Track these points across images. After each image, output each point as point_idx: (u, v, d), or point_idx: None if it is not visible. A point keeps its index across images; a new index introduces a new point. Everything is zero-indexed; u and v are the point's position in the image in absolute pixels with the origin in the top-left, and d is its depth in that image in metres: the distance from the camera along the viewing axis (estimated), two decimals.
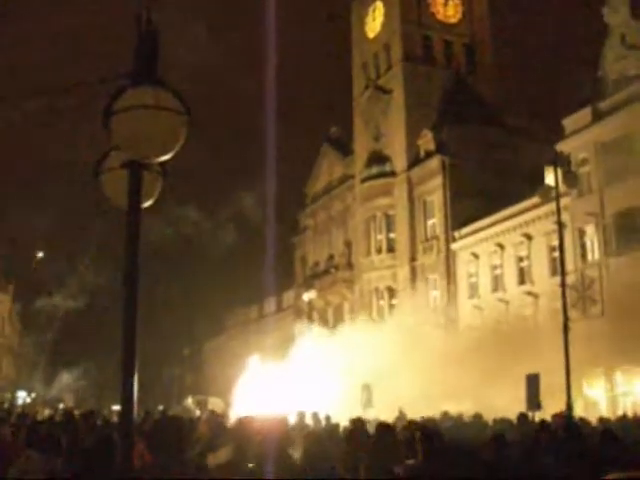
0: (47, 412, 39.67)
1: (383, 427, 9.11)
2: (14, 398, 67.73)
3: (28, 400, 71.35)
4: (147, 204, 4.65)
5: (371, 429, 11.58)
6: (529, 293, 38.28)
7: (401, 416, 19.55)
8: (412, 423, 13.60)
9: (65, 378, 73.20)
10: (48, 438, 7.27)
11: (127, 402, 4.28)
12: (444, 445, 5.52)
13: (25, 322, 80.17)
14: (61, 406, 51.64)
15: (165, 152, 4.42)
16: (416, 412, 20.68)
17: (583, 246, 35.08)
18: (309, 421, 19.41)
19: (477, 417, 20.08)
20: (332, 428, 15.79)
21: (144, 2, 4.61)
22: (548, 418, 18.71)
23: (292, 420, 17.04)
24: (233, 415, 26.40)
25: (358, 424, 12.36)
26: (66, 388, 68.56)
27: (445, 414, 20.26)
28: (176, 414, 15.46)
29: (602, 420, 17.88)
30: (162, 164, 4.67)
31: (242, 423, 8.59)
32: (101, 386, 67.14)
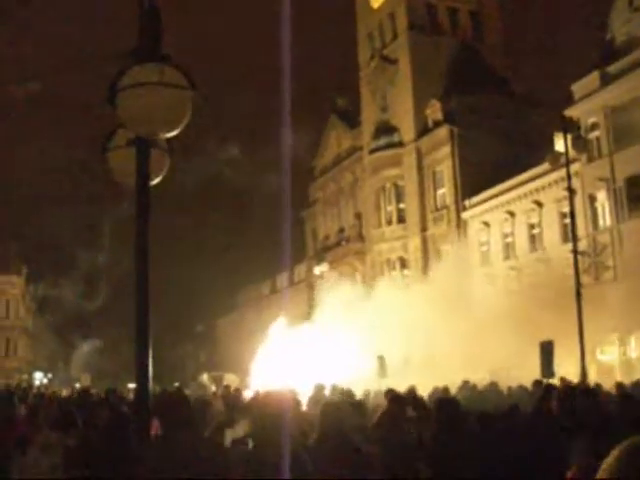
0: (64, 392, 40.03)
1: (444, 402, 7.42)
2: (31, 379, 68.36)
3: (45, 381, 72.04)
4: (155, 181, 4.63)
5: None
6: (541, 260, 38.18)
7: (411, 389, 19.56)
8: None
9: (81, 357, 73.83)
10: (64, 416, 7.32)
11: (142, 380, 4.30)
12: (459, 414, 5.52)
13: (39, 303, 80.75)
14: (77, 386, 52.08)
15: (171, 128, 4.40)
16: (430, 382, 20.72)
17: (594, 212, 34.92)
18: (327, 393, 19.47)
19: (493, 385, 20.11)
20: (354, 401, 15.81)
21: None
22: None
23: (309, 393, 17.07)
24: (249, 390, 26.60)
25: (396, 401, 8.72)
26: (83, 368, 69.03)
27: (465, 382, 20.25)
28: (179, 391, 15.50)
29: (619, 385, 17.83)
30: (169, 140, 4.65)
31: (257, 398, 8.58)
32: (118, 364, 67.56)
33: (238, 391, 22.76)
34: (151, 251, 4.35)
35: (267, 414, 4.58)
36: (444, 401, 6.25)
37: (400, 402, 7.57)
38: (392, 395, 8.14)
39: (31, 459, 6.64)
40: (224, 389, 23.89)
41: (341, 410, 5.64)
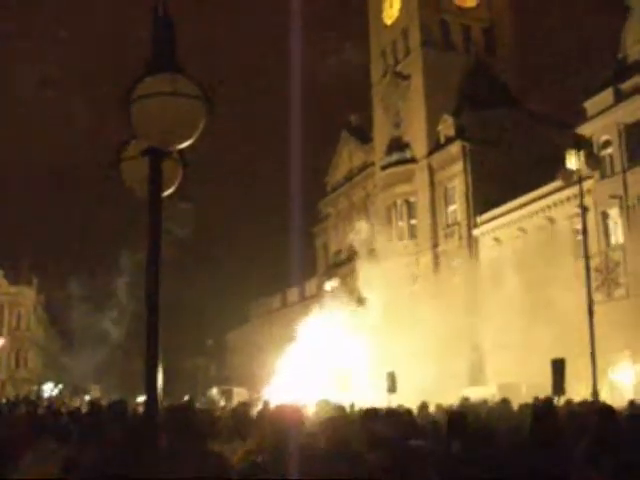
0: (76, 403, 40.04)
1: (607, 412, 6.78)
2: (40, 390, 68.43)
3: (55, 392, 72.08)
4: (168, 192, 4.63)
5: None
6: (553, 277, 38.00)
7: (424, 405, 19.48)
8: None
9: (91, 369, 73.80)
10: (58, 427, 7.33)
11: (151, 393, 4.27)
12: (469, 429, 5.48)
13: (50, 314, 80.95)
14: (87, 397, 52.09)
15: (185, 139, 4.40)
16: (440, 397, 20.64)
17: (606, 229, 34.79)
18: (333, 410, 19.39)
19: (505, 402, 19.99)
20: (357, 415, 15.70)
21: None
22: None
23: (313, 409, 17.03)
24: (259, 404, 26.53)
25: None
26: (93, 379, 69.11)
27: (466, 400, 20.14)
28: (188, 403, 15.46)
29: (632, 403, 17.63)
30: (182, 152, 4.66)
31: (266, 412, 8.55)
32: (127, 377, 67.58)
33: (247, 405, 22.60)
34: (163, 264, 4.34)
35: (276, 428, 4.56)
36: (454, 413, 6.21)
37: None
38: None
39: (23, 468, 6.64)
40: (237, 404, 23.73)
41: (347, 423, 5.61)
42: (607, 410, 7.05)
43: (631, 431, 7.12)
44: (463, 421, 5.49)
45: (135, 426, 6.18)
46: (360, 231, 46.99)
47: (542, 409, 6.43)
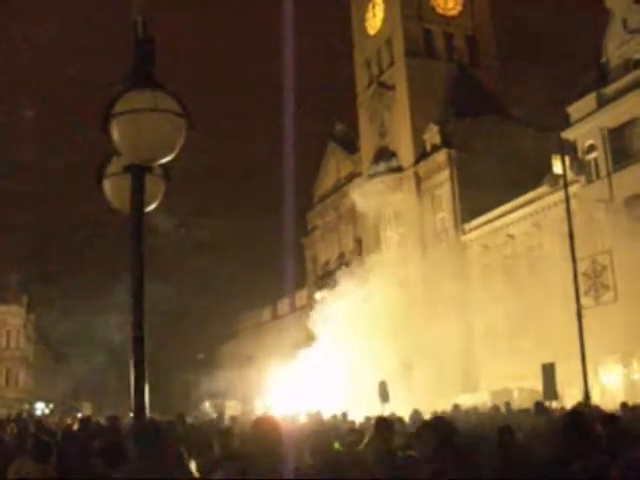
0: (68, 421, 39.77)
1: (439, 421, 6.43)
2: (32, 409, 67.97)
3: (47, 411, 71.62)
4: (150, 208, 4.65)
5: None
6: (541, 281, 38.12)
7: (416, 414, 19.51)
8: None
9: (83, 386, 73.40)
10: (40, 444, 7.32)
11: (140, 410, 4.28)
12: (454, 437, 5.48)
13: (40, 333, 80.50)
14: (79, 415, 51.78)
15: (166, 154, 4.42)
16: (433, 405, 20.67)
17: (593, 233, 34.90)
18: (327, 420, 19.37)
19: (495, 409, 20.06)
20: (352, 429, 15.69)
21: (140, 8, 4.61)
22: (566, 406, 18.68)
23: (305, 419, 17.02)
24: (251, 417, 26.41)
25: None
26: (84, 397, 68.76)
27: (456, 407, 20.18)
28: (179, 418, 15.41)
29: (624, 405, 17.69)
30: (164, 166, 4.67)
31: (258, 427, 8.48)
32: (118, 394, 67.23)
33: (235, 419, 22.42)
34: (148, 280, 4.35)
35: (261, 443, 4.57)
36: (438, 420, 6.20)
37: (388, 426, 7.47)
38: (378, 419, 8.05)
39: None
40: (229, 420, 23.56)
41: (332, 436, 5.62)
42: (575, 414, 7.12)
43: (605, 433, 7.19)
44: (450, 429, 5.49)
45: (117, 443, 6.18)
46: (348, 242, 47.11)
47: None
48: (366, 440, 7.27)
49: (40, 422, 20.73)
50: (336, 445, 7.02)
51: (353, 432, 8.69)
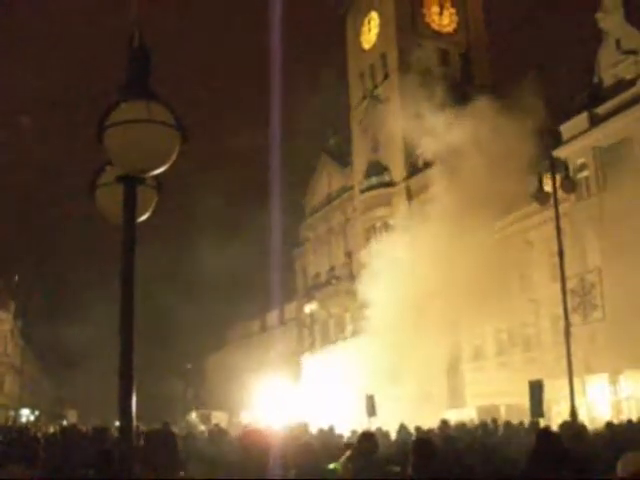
0: (51, 429, 39.61)
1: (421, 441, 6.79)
2: (18, 416, 67.66)
3: (32, 418, 71.30)
4: (142, 218, 4.65)
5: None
6: (530, 300, 38.18)
7: (402, 428, 19.51)
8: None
9: (68, 395, 73.12)
10: (27, 451, 7.31)
11: (126, 418, 4.28)
12: (436, 455, 5.49)
13: (27, 339, 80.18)
14: (64, 423, 51.55)
15: (159, 165, 4.43)
16: (419, 420, 20.64)
17: (583, 251, 35.00)
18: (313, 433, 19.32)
19: (483, 425, 20.04)
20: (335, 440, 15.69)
21: (135, 18, 4.63)
22: (553, 424, 18.69)
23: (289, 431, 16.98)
24: (238, 428, 26.39)
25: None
26: (70, 405, 68.43)
27: (444, 423, 20.14)
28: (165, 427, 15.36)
29: (609, 425, 17.74)
30: (157, 177, 4.68)
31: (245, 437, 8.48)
32: (104, 402, 67.01)
33: (223, 431, 22.35)
34: (138, 290, 4.35)
35: (249, 454, 4.57)
36: (420, 441, 6.24)
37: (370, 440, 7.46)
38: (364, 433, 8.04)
39: None
40: (213, 428, 23.56)
41: (316, 449, 5.62)
42: (545, 432, 7.28)
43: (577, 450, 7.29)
44: (431, 448, 5.51)
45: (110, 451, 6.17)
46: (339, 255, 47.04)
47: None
48: (348, 454, 7.27)
49: (27, 429, 20.70)
50: (332, 465, 6.98)
51: (347, 448, 8.66)
